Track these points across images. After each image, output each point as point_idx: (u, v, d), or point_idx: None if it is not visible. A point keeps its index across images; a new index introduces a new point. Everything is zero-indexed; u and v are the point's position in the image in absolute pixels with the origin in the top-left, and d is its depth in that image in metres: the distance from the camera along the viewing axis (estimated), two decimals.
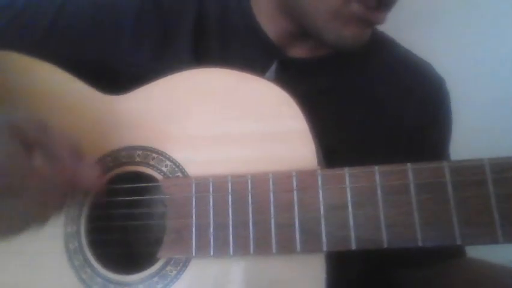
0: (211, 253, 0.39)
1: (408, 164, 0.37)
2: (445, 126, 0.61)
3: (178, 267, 0.41)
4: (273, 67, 0.54)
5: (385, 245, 0.36)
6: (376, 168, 0.37)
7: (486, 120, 0.86)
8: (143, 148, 0.44)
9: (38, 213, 0.37)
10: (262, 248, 0.38)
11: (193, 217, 0.40)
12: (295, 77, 0.54)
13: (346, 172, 0.38)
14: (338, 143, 0.50)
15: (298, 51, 0.56)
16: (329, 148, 0.44)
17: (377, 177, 0.37)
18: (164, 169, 0.43)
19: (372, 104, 0.56)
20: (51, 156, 0.37)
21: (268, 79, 0.43)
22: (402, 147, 0.56)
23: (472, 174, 0.35)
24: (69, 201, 0.44)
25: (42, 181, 0.36)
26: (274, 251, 0.38)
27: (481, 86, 0.87)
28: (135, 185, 0.44)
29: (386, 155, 0.53)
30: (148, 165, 0.44)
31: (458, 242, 0.35)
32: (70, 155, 0.38)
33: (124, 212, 0.44)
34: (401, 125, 0.56)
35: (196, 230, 0.40)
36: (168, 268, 0.41)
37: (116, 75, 0.52)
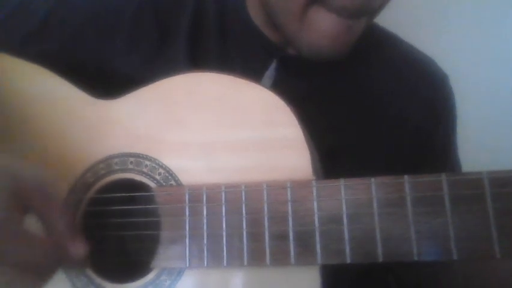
0: (205, 264, 0.39)
1: (406, 177, 0.36)
2: (450, 123, 0.60)
3: (173, 277, 0.40)
4: (273, 65, 0.52)
5: (380, 259, 0.35)
6: (372, 180, 0.36)
7: (489, 117, 0.84)
8: (136, 155, 0.43)
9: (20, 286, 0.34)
10: (256, 259, 0.38)
11: (187, 227, 0.40)
12: (295, 75, 0.53)
13: (342, 184, 0.37)
14: (340, 142, 0.50)
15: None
16: (331, 148, 0.43)
17: (373, 190, 0.36)
18: (157, 177, 0.42)
19: (374, 102, 0.55)
20: (46, 227, 0.36)
21: (263, 85, 0.42)
22: (407, 147, 0.55)
23: (470, 188, 0.34)
24: None
25: (27, 251, 0.34)
26: (268, 263, 0.37)
27: (484, 83, 0.85)
28: (127, 194, 0.43)
29: (390, 155, 0.53)
30: (141, 172, 0.43)
31: (455, 257, 0.34)
32: (64, 230, 0.37)
33: (117, 221, 0.43)
34: (405, 124, 0.55)
35: (189, 241, 0.39)
36: (163, 277, 0.41)
37: (111, 75, 0.51)
